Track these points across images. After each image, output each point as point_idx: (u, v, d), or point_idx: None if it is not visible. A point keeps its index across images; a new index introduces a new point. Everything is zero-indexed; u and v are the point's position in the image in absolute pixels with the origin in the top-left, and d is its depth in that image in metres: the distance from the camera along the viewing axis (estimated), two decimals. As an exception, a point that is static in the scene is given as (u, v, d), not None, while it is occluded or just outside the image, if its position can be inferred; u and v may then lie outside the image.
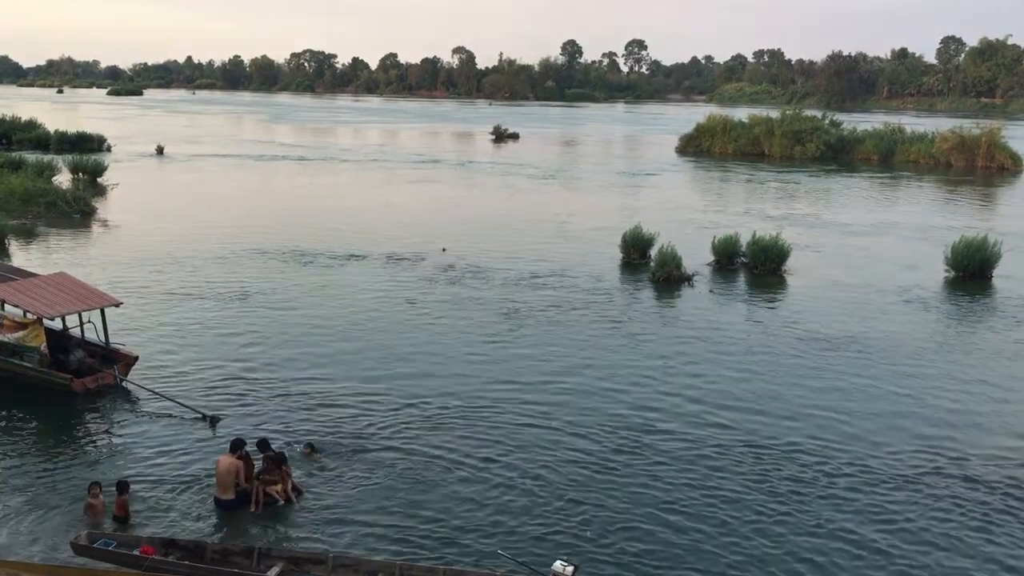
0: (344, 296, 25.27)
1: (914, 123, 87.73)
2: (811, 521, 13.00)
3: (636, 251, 30.63)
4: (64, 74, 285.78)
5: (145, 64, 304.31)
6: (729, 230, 32.24)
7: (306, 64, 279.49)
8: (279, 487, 13.23)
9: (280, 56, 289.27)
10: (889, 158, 73.11)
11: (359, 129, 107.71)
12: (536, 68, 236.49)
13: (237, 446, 13.45)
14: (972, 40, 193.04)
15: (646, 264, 29.71)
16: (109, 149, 65.81)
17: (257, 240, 32.67)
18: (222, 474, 13.02)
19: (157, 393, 17.13)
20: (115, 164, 53.60)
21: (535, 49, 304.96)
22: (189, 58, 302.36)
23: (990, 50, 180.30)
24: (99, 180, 47.77)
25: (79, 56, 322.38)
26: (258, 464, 13.59)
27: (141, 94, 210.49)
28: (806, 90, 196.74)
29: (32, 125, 70.26)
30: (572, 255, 31.57)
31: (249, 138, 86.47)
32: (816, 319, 23.92)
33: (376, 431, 15.78)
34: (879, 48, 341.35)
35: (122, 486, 12.74)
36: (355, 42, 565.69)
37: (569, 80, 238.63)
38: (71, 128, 70.45)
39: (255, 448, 13.89)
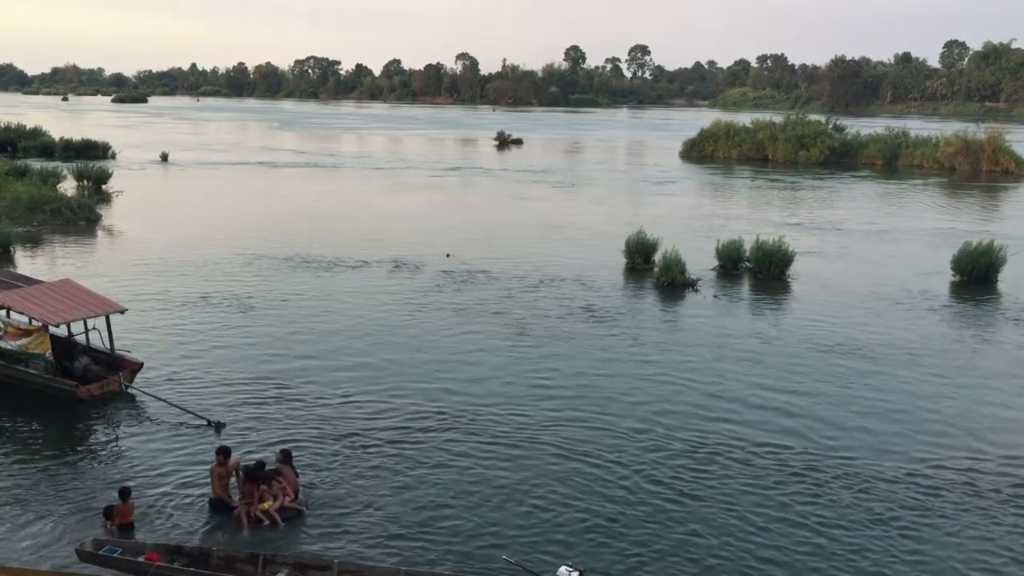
0: (348, 302, 25.29)
1: (918, 127, 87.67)
2: (819, 524, 12.98)
3: (640, 256, 30.61)
4: (69, 81, 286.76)
5: (150, 71, 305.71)
6: (733, 235, 32.20)
7: (310, 71, 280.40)
8: (266, 506, 12.88)
9: (284, 63, 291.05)
10: (893, 162, 73.06)
11: (366, 136, 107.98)
12: (539, 74, 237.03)
13: (219, 452, 13.52)
14: (976, 44, 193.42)
15: (650, 269, 29.68)
16: (114, 156, 65.99)
17: (262, 247, 32.72)
18: (212, 477, 13.27)
19: (162, 399, 17.15)
20: (120, 171, 53.80)
21: (538, 55, 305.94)
22: (193, 65, 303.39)
23: (994, 54, 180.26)
24: (104, 187, 47.96)
25: (84, 64, 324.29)
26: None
27: (146, 101, 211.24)
28: (810, 95, 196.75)
29: (37, 132, 70.52)
30: (576, 260, 31.56)
31: (256, 145, 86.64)
32: (820, 324, 23.88)
33: (383, 437, 15.77)
34: (882, 52, 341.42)
35: (124, 493, 12.74)
36: (359, 49, 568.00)
37: (573, 86, 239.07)
38: (76, 135, 70.61)
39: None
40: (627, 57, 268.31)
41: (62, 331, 18.92)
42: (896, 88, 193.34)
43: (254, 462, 13.52)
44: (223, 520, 12.94)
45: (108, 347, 18.73)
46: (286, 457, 13.78)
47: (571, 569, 10.82)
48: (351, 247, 33.05)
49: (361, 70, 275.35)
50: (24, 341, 17.89)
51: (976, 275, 29.06)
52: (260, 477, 13.12)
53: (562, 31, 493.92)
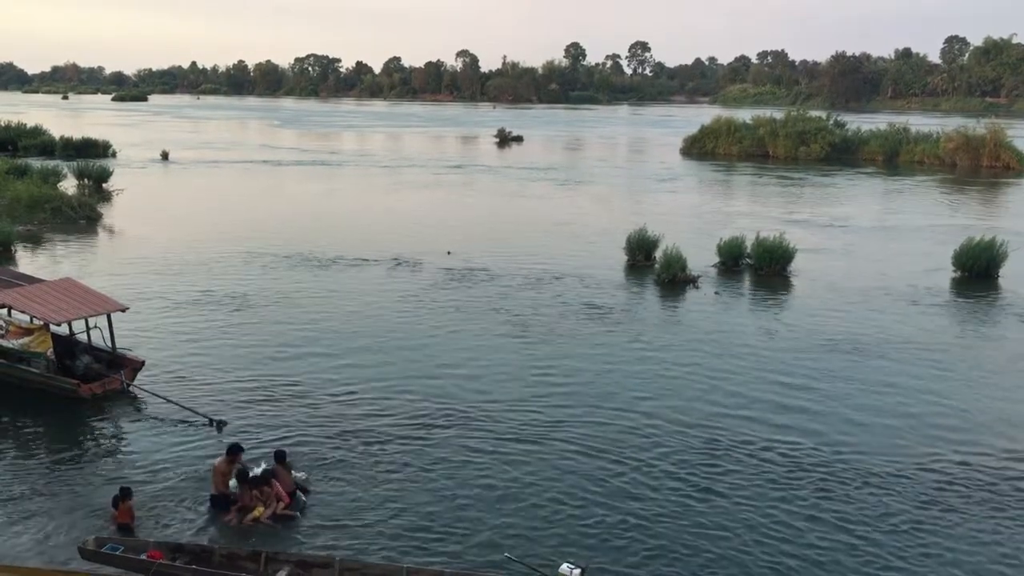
0: (349, 300, 25.29)
1: (919, 123, 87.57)
2: (827, 519, 12.98)
3: (641, 253, 30.59)
4: (69, 80, 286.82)
5: (150, 70, 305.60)
6: (734, 232, 32.21)
7: (310, 68, 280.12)
8: (256, 514, 12.79)
9: (284, 61, 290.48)
10: (894, 158, 73.00)
11: (367, 133, 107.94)
12: (540, 71, 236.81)
13: (230, 451, 13.55)
14: (976, 39, 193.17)
15: (651, 266, 29.67)
16: (114, 155, 65.94)
17: (263, 245, 32.71)
18: (215, 472, 13.29)
19: (163, 398, 17.16)
20: (120, 170, 53.79)
21: (539, 52, 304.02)
22: (193, 63, 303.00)
23: (995, 49, 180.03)
24: (104, 186, 47.92)
25: (84, 62, 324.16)
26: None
27: (146, 100, 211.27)
28: (810, 91, 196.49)
29: (37, 131, 70.44)
30: (577, 257, 31.56)
31: (256, 143, 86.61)
32: (821, 320, 23.88)
33: (384, 435, 15.77)
34: (883, 48, 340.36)
35: (125, 492, 12.74)
36: (359, 47, 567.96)
37: (573, 83, 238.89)
38: (76, 134, 70.57)
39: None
40: (627, 54, 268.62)
41: (63, 330, 18.92)
42: (897, 84, 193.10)
43: (237, 470, 13.44)
44: (224, 516, 12.96)
45: (109, 346, 18.73)
46: (280, 458, 13.77)
47: (572, 567, 10.84)
48: (352, 245, 33.04)
49: (361, 68, 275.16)
50: (25, 340, 17.89)
51: (977, 271, 29.08)
52: (253, 481, 13.06)
53: (562, 29, 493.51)
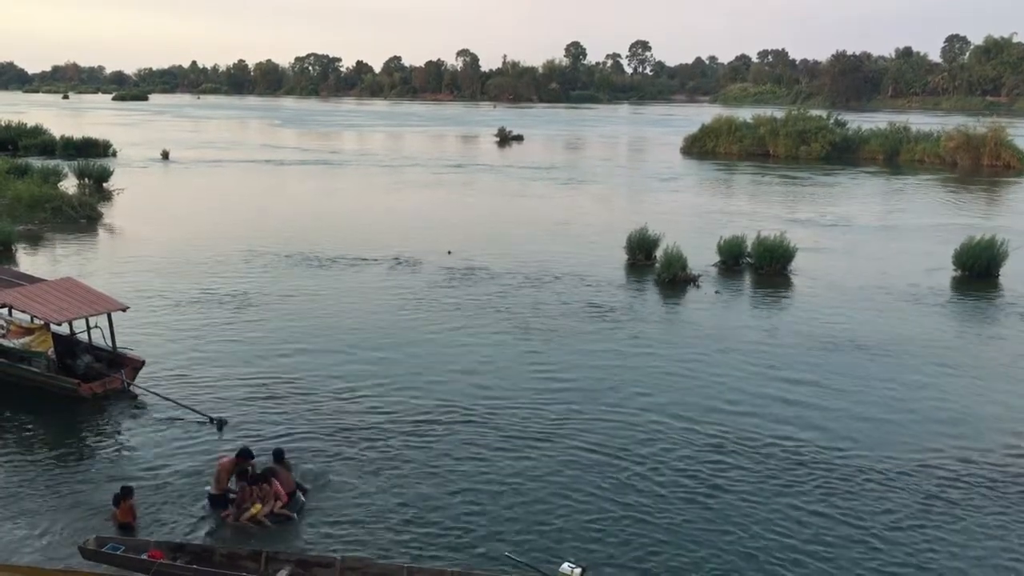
0: (349, 300, 25.28)
1: (919, 122, 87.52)
2: (820, 522, 12.96)
3: (641, 252, 30.57)
4: (69, 80, 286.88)
5: (150, 69, 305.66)
6: (734, 231, 32.19)
7: (310, 68, 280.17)
8: (254, 511, 12.75)
9: (284, 60, 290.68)
10: (894, 157, 72.99)
11: (367, 133, 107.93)
12: (540, 70, 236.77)
13: (240, 454, 13.48)
14: (977, 39, 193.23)
15: (651, 265, 29.65)
16: (115, 154, 65.89)
17: (263, 244, 32.70)
18: (220, 472, 13.23)
19: (164, 397, 17.15)
20: (121, 169, 53.77)
21: (539, 52, 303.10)
22: (194, 63, 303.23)
23: (995, 48, 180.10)
24: (105, 185, 47.93)
25: (84, 62, 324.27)
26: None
27: (146, 99, 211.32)
28: (811, 90, 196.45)
29: (38, 131, 70.38)
30: (577, 257, 31.54)
31: (257, 143, 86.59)
32: (822, 319, 23.87)
33: (386, 433, 15.77)
34: (883, 47, 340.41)
35: (126, 491, 12.72)
36: (359, 47, 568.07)
37: (573, 82, 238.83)
38: (77, 133, 70.59)
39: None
40: (627, 53, 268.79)
41: (64, 329, 18.93)
42: (897, 83, 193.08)
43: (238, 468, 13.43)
44: (223, 514, 12.96)
45: (110, 345, 18.73)
46: (278, 457, 13.75)
47: (573, 566, 10.82)
48: (353, 244, 33.03)
49: (362, 67, 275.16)
50: (26, 339, 17.89)
51: (977, 270, 29.06)
52: (251, 479, 13.05)
53: (562, 29, 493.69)
